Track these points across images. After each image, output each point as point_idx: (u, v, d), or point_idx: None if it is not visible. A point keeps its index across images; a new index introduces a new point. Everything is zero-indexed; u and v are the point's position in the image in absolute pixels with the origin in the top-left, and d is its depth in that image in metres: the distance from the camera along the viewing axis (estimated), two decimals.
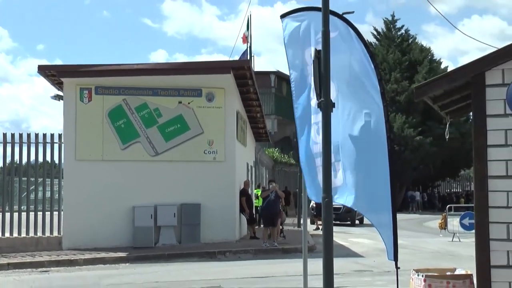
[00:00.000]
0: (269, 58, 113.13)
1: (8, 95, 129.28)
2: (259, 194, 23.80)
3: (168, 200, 19.06)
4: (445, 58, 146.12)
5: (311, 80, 7.60)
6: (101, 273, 14.72)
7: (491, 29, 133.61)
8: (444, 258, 17.06)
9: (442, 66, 52.91)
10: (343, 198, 7.71)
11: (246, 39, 29.20)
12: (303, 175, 8.43)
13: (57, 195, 19.84)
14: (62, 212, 19.15)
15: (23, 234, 19.01)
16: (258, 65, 67.86)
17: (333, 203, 7.28)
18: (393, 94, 48.04)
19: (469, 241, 19.02)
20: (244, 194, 21.28)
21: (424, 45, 54.92)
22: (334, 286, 7.12)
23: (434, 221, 31.38)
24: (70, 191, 18.95)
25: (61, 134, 19.41)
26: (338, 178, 7.58)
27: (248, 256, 17.62)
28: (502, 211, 6.44)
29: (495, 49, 6.75)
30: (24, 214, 19.37)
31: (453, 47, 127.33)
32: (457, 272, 7.50)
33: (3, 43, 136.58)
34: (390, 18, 54.93)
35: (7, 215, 19.05)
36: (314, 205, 27.70)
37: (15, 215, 19.18)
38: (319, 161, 7.81)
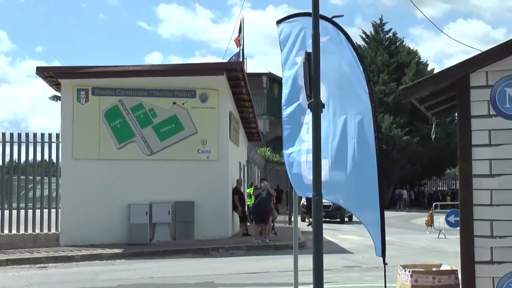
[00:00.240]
0: (261, 60, 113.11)
1: (7, 95, 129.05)
2: (251, 193, 23.79)
3: (163, 198, 19.05)
4: (431, 60, 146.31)
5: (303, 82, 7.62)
6: (97, 269, 14.70)
7: (475, 33, 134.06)
8: (430, 254, 17.10)
9: (429, 68, 52.97)
10: (332, 196, 7.73)
11: (239, 42, 29.18)
12: (286, 168, 8.46)
13: (54, 193, 19.78)
14: (59, 210, 19.11)
15: (22, 231, 18.97)
16: (251, 67, 67.78)
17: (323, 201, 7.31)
18: (381, 95, 48.09)
19: (455, 237, 19.04)
20: (237, 192, 21.28)
21: (411, 48, 55.06)
22: (324, 281, 7.13)
23: (420, 218, 31.42)
24: (68, 189, 18.91)
25: (59, 133, 19.37)
26: (325, 176, 7.59)
27: (241, 253, 17.62)
28: (486, 208, 6.45)
29: (479, 52, 6.76)
30: (22, 212, 19.35)
31: (439, 50, 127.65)
32: (442, 268, 7.51)
33: (3, 45, 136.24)
34: (378, 22, 55.00)
35: (6, 212, 18.99)
36: (305, 203, 27.68)
37: (14, 212, 19.13)
38: (304, 157, 7.88)
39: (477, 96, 6.56)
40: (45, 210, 19.24)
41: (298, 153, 8.13)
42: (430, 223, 24.89)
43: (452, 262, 8.12)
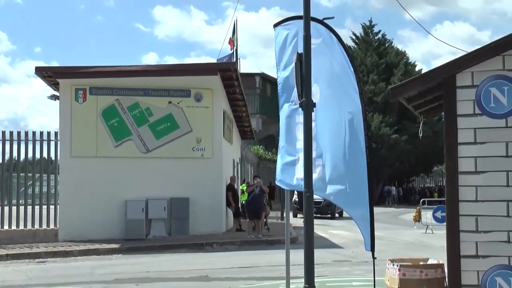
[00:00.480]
0: (254, 61, 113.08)
1: (7, 95, 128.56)
2: (244, 190, 23.79)
3: (158, 195, 19.03)
4: (419, 61, 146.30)
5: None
6: (95, 264, 14.68)
7: (461, 34, 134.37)
8: (418, 249, 17.14)
9: (417, 69, 53.10)
10: (322, 192, 7.76)
11: (232, 43, 29.15)
12: (278, 164, 8.48)
13: (53, 190, 19.71)
14: (58, 206, 19.07)
15: (21, 227, 18.92)
16: (244, 67, 67.70)
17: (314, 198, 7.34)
18: (370, 95, 48.17)
19: (441, 232, 19.01)
20: (230, 189, 21.29)
21: (400, 49, 55.19)
22: (315, 275, 7.15)
23: (409, 214, 31.50)
24: (66, 186, 18.87)
25: (57, 132, 19.32)
26: (317, 173, 7.61)
27: (234, 247, 17.62)
28: (471, 204, 6.48)
29: (465, 53, 6.79)
30: (22, 208, 19.29)
31: (426, 51, 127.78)
32: (429, 262, 7.54)
33: (3, 46, 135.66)
34: (368, 24, 55.14)
35: (6, 208, 18.95)
36: (297, 199, 27.70)
37: (14, 208, 19.07)
38: (298, 155, 7.92)
39: (463, 96, 6.59)
40: (44, 207, 19.21)
41: (292, 151, 8.17)
42: (417, 218, 24.97)
43: (438, 256, 8.14)
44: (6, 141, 19.22)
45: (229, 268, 13.61)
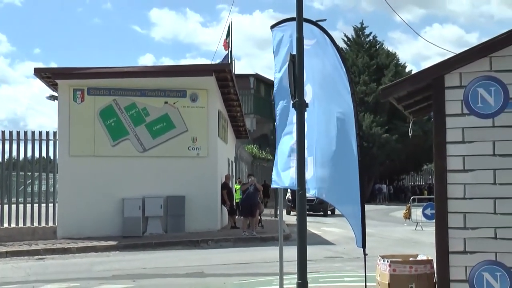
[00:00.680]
0: (248, 62, 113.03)
1: (7, 95, 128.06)
2: (237, 189, 23.77)
3: (155, 193, 19.02)
4: (409, 62, 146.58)
5: None
6: (93, 260, 14.66)
7: (450, 36, 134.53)
8: (408, 245, 17.15)
9: (407, 70, 53.08)
10: (315, 191, 7.76)
11: (227, 45, 29.12)
12: (275, 163, 8.49)
13: (52, 188, 19.69)
14: (56, 204, 19.05)
15: (21, 224, 18.88)
16: (238, 68, 67.47)
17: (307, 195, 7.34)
18: (362, 95, 48.15)
19: (431, 229, 19.13)
20: (225, 187, 21.27)
21: (390, 51, 55.11)
22: (308, 271, 7.15)
23: (399, 211, 31.51)
24: (64, 184, 18.84)
25: (56, 131, 19.30)
26: (308, 172, 7.60)
27: (229, 244, 17.61)
28: (460, 202, 6.51)
29: (454, 55, 6.81)
30: (21, 206, 19.24)
31: (416, 53, 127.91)
32: (419, 258, 7.56)
33: (2, 47, 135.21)
34: (359, 26, 55.04)
35: (6, 207, 18.91)
36: (290, 197, 27.70)
37: (13, 207, 19.02)
38: (293, 155, 7.92)
39: (451, 96, 6.61)
40: (43, 205, 19.18)
41: (288, 149, 8.18)
42: (408, 216, 25.00)
43: (428, 252, 8.17)
44: (6, 141, 19.19)
45: (224, 264, 13.62)
